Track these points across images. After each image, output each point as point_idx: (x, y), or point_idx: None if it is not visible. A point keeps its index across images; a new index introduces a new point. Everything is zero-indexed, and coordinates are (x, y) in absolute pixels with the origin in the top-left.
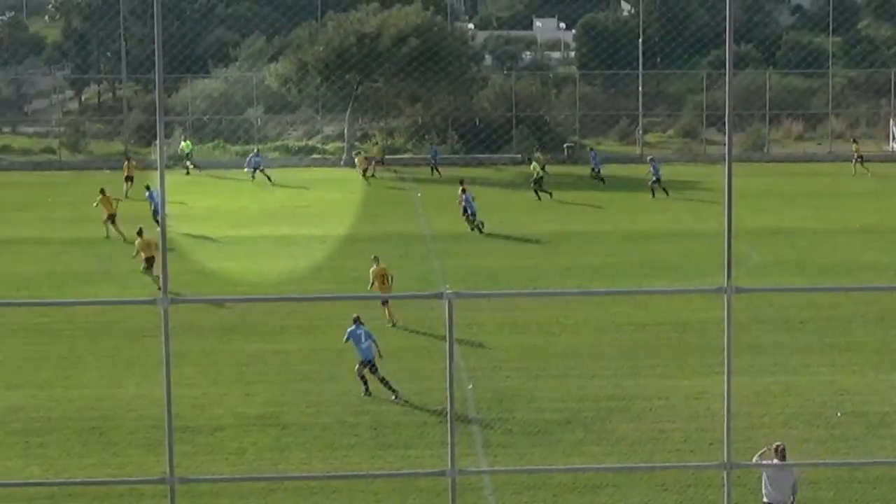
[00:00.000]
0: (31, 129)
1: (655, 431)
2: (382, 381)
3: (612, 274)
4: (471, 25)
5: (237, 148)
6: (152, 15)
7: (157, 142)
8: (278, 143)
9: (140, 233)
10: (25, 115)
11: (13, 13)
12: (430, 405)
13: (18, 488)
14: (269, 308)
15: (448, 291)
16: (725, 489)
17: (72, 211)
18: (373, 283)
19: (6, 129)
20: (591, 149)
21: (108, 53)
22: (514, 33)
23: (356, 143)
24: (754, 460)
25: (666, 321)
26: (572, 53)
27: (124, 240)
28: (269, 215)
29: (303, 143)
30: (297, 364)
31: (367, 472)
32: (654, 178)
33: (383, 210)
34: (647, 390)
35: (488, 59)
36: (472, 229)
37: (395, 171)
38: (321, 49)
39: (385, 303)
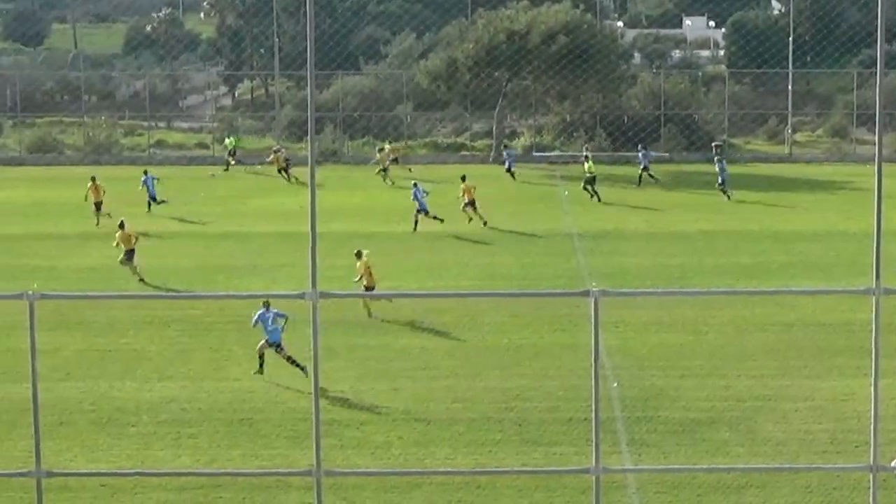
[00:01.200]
0: (185, 125)
1: (801, 432)
2: (288, 359)
3: (758, 274)
4: (620, 23)
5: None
6: (305, 12)
7: (308, 137)
8: (427, 140)
9: (122, 225)
10: (180, 110)
11: (170, 10)
12: (575, 402)
13: (169, 477)
14: (415, 304)
15: (594, 289)
16: (871, 492)
17: (222, 205)
18: (360, 277)
19: (161, 125)
20: (644, 147)
21: (262, 50)
22: (663, 31)
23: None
24: (893, 465)
25: (813, 322)
26: (721, 52)
27: (97, 224)
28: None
29: (451, 140)
30: (442, 360)
31: (511, 469)
32: (720, 181)
33: (530, 207)
34: (793, 391)
35: (637, 58)
36: (414, 226)
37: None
38: (471, 46)
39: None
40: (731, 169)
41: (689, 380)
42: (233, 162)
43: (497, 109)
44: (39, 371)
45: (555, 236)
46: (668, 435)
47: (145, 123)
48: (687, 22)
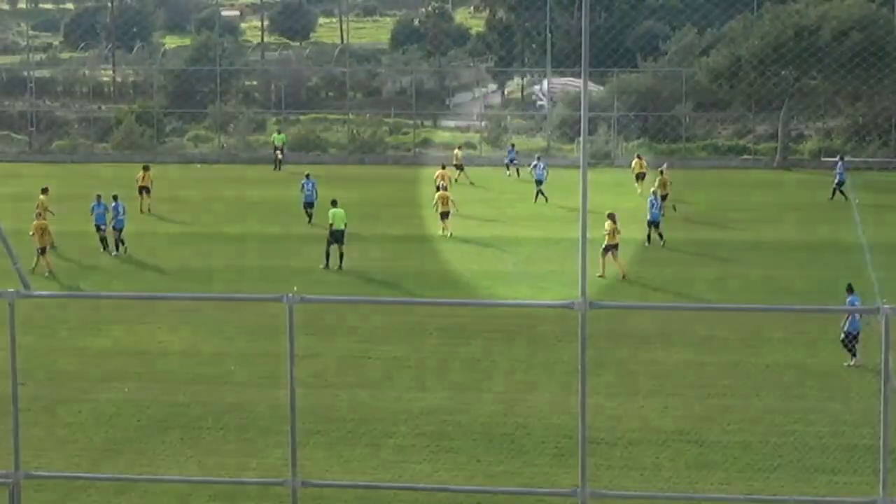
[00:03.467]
0: (452, 123)
1: None
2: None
3: None
4: None
5: (662, 146)
6: (580, 6)
7: (581, 139)
8: (707, 142)
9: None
10: (447, 108)
11: (439, 3)
12: (861, 428)
13: (427, 493)
14: (690, 317)
15: (885, 306)
16: None
17: (487, 209)
18: (435, 203)
19: (427, 123)
20: (841, 157)
21: (533, 45)
22: None
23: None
24: None
25: None
26: None
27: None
28: (694, 220)
29: (732, 143)
30: (718, 378)
31: (790, 497)
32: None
33: (817, 215)
34: None
35: None
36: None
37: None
38: (756, 43)
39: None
40: None
41: None
42: (280, 156)
43: (783, 110)
44: (297, 376)
45: (844, 248)
46: None
47: (411, 121)
48: None
